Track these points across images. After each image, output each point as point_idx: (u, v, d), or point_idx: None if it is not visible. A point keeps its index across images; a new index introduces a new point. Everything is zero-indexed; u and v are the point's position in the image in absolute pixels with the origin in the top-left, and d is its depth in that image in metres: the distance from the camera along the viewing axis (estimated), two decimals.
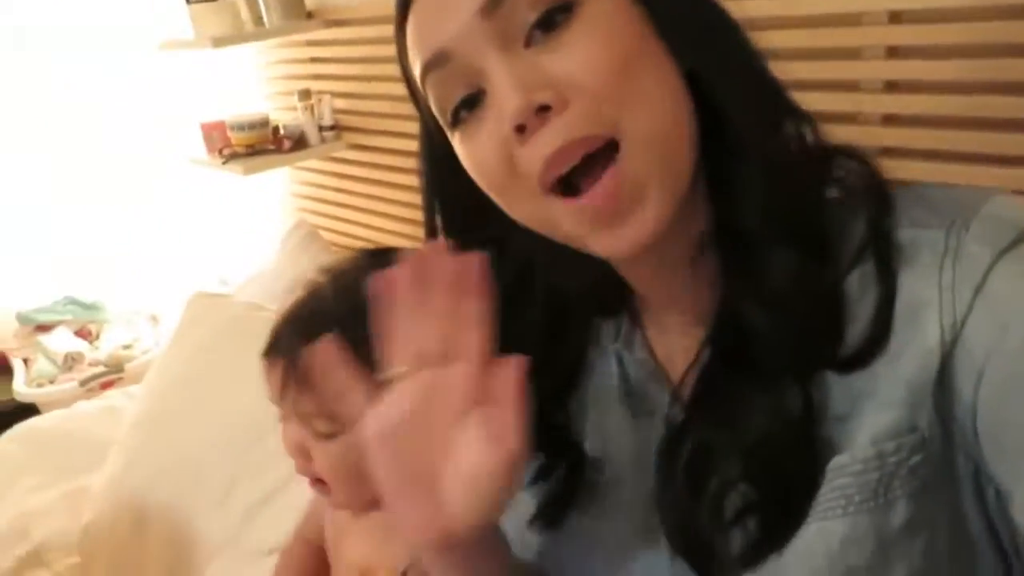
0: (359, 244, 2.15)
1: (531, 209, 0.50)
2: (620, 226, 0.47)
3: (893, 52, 1.08)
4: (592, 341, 0.62)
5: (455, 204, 0.58)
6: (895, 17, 1.06)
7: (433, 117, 0.53)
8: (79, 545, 1.24)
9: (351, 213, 2.18)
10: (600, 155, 0.46)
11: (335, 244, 2.11)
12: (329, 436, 0.81)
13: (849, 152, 0.52)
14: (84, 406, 1.75)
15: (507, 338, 0.60)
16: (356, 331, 0.72)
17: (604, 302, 0.61)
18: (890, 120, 1.10)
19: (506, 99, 0.46)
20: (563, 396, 0.62)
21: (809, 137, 0.52)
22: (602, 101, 0.45)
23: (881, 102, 1.10)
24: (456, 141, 0.51)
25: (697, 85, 0.49)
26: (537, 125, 0.46)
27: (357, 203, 2.13)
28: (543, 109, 0.46)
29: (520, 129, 0.46)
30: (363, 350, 0.72)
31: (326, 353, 0.72)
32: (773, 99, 0.51)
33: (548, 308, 0.60)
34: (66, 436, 1.58)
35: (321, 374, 0.73)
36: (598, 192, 0.46)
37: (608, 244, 0.48)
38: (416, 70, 0.51)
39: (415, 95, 0.55)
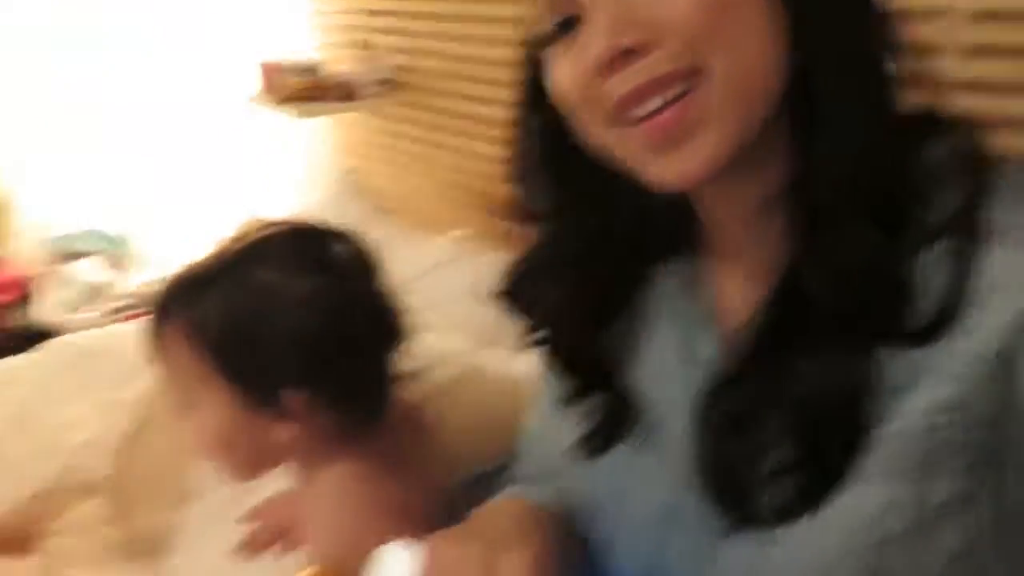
0: (400, 200, 2.15)
1: (601, 137, 0.51)
2: (671, 155, 0.48)
3: (976, 51, 1.07)
4: (651, 278, 0.62)
5: (547, 111, 0.57)
6: (979, 16, 1.05)
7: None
8: (115, 456, 1.25)
9: (394, 170, 2.18)
10: (674, 101, 0.47)
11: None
12: (189, 407, 0.79)
13: (955, 121, 0.51)
14: (118, 327, 1.76)
15: (564, 241, 0.60)
16: (228, 312, 0.75)
17: (670, 239, 0.61)
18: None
19: (595, 36, 0.47)
20: (607, 321, 0.62)
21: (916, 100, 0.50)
22: (690, 43, 0.46)
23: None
24: (547, 57, 0.53)
25: (798, 31, 0.48)
26: (619, 66, 0.47)
27: (401, 160, 2.13)
28: (628, 52, 0.46)
29: (603, 67, 0.47)
30: (227, 328, 0.75)
31: (175, 335, 0.77)
32: (879, 60, 0.50)
33: (612, 227, 0.59)
34: (99, 353, 1.58)
35: (166, 352, 0.78)
36: (657, 120, 0.47)
37: (657, 173, 0.49)
38: None
39: None
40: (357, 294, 0.79)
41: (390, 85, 2.04)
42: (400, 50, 2.03)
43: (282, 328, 0.74)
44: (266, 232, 0.80)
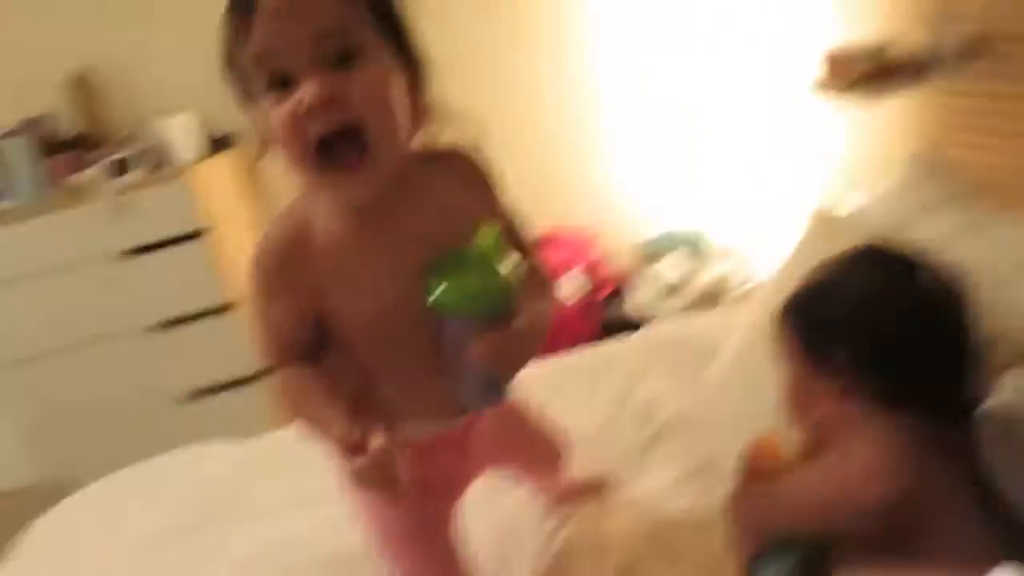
0: (989, 180, 1.92)
1: None
2: None
3: None
4: None
5: None
6: None
7: None
8: (700, 428, 1.39)
9: (976, 148, 1.95)
10: None
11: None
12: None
13: None
14: (695, 318, 1.94)
15: None
16: (804, 300, 1.01)
17: None
18: None
19: None
20: None
21: None
22: None
23: None
24: None
25: None
26: None
27: (985, 136, 1.90)
28: None
29: None
30: (799, 310, 1.01)
31: (780, 326, 1.04)
32: None
33: None
34: (680, 340, 1.77)
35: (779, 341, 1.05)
36: None
37: None
38: None
39: None
40: (909, 297, 0.95)
41: (968, 56, 1.84)
42: (978, 16, 1.82)
43: (836, 306, 0.99)
44: (851, 249, 1.04)
